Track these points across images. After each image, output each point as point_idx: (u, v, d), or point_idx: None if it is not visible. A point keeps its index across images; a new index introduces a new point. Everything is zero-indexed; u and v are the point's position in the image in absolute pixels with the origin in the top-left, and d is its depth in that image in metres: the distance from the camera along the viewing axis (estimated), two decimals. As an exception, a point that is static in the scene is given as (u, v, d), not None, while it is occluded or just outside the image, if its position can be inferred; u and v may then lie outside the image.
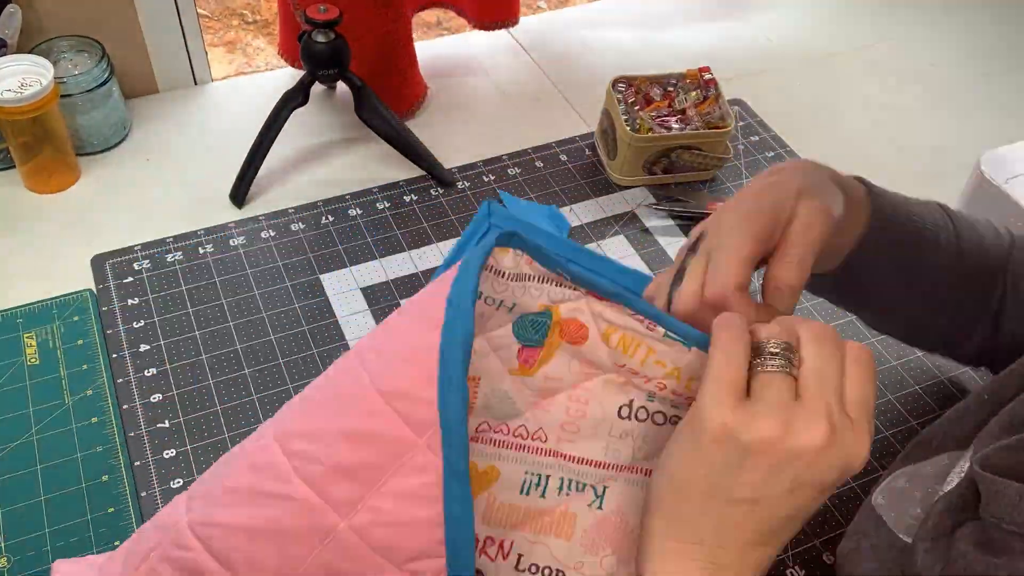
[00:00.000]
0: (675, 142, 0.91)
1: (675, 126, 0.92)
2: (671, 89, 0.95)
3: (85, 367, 0.75)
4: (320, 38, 0.86)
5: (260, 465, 0.49)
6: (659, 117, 0.92)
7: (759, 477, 0.43)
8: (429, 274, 0.85)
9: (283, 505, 0.47)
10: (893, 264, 0.62)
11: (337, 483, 0.46)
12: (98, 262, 0.84)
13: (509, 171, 0.96)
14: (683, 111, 0.93)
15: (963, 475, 0.51)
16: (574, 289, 0.51)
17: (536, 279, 0.51)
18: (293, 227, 0.89)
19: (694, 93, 0.94)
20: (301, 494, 0.46)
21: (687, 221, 0.92)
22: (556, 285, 0.51)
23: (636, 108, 0.93)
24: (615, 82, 0.94)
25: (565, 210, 0.92)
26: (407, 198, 0.92)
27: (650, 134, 0.90)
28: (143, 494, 0.68)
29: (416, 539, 0.45)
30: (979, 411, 0.55)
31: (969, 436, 0.54)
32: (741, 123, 1.04)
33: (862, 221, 0.60)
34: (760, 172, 0.59)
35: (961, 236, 0.64)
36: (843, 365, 0.45)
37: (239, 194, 0.90)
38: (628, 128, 0.90)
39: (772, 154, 1.00)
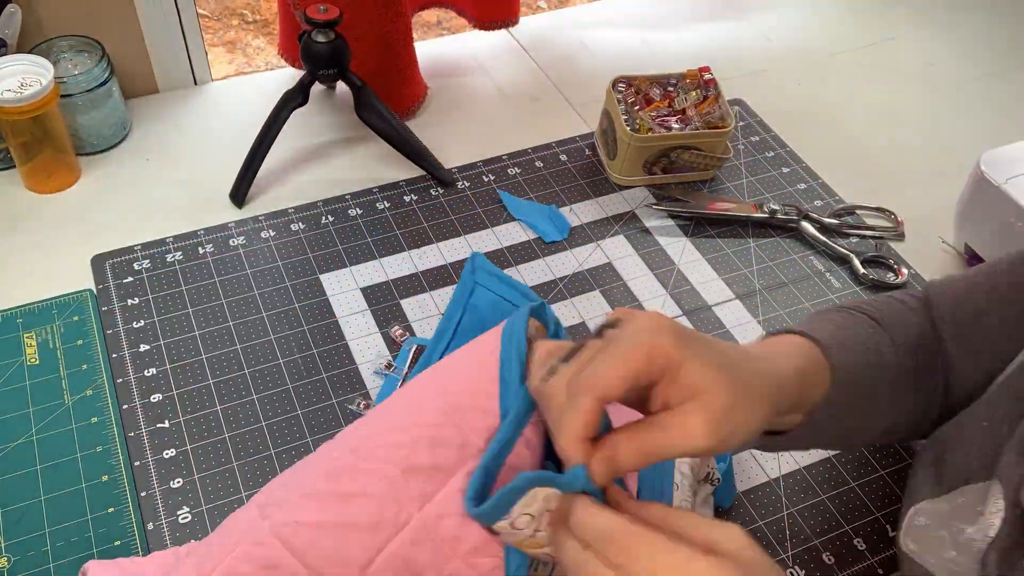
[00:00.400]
0: (675, 142, 0.91)
1: (675, 126, 0.92)
2: (671, 89, 0.95)
3: (85, 367, 0.75)
4: (320, 38, 0.86)
5: (336, 472, 0.51)
6: (659, 117, 0.92)
7: None
8: (429, 274, 0.85)
9: (361, 502, 0.50)
10: (855, 405, 0.60)
11: (413, 480, 0.50)
12: (98, 262, 0.84)
13: (509, 171, 0.96)
14: (683, 111, 0.93)
15: (1002, 514, 0.50)
16: None
17: None
18: (293, 227, 0.89)
19: (694, 93, 0.94)
20: (379, 491, 0.50)
21: (687, 221, 0.92)
22: None
23: (636, 108, 0.93)
24: (615, 82, 0.94)
25: (565, 210, 0.92)
26: (407, 198, 0.92)
27: (650, 134, 0.90)
28: (143, 494, 0.68)
29: (477, 532, 0.49)
30: (985, 441, 0.54)
31: (986, 468, 0.53)
32: (741, 123, 1.04)
33: (824, 384, 0.57)
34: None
35: (895, 339, 0.62)
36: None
37: (239, 194, 0.90)
38: (628, 128, 0.90)
39: (772, 154, 1.00)
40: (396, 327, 0.80)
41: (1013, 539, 0.49)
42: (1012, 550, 0.49)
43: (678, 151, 0.92)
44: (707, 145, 0.92)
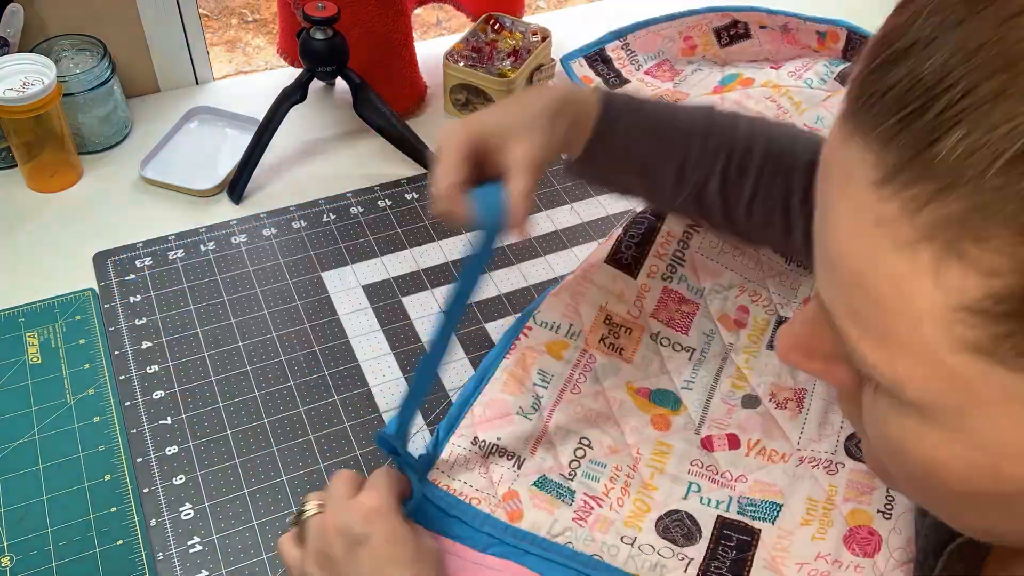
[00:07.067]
0: (534, 64, 1.00)
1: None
2: (490, 40, 1.02)
3: (87, 366, 0.75)
4: (318, 35, 0.86)
5: None
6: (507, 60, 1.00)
7: None
8: (431, 272, 0.85)
9: None
10: (630, 152, 0.70)
11: None
12: (100, 259, 0.84)
13: (510, 169, 0.96)
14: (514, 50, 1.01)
15: None
16: None
17: None
18: (295, 225, 0.89)
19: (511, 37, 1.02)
20: None
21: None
22: None
23: (487, 62, 0.99)
24: (447, 56, 0.98)
25: (565, 208, 0.92)
26: (408, 196, 0.92)
27: (519, 71, 0.97)
28: (145, 491, 0.68)
29: None
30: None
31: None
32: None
33: (591, 123, 0.68)
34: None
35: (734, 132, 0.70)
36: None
37: (236, 188, 0.90)
38: (494, 76, 0.97)
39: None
40: None
41: None
42: None
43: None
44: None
